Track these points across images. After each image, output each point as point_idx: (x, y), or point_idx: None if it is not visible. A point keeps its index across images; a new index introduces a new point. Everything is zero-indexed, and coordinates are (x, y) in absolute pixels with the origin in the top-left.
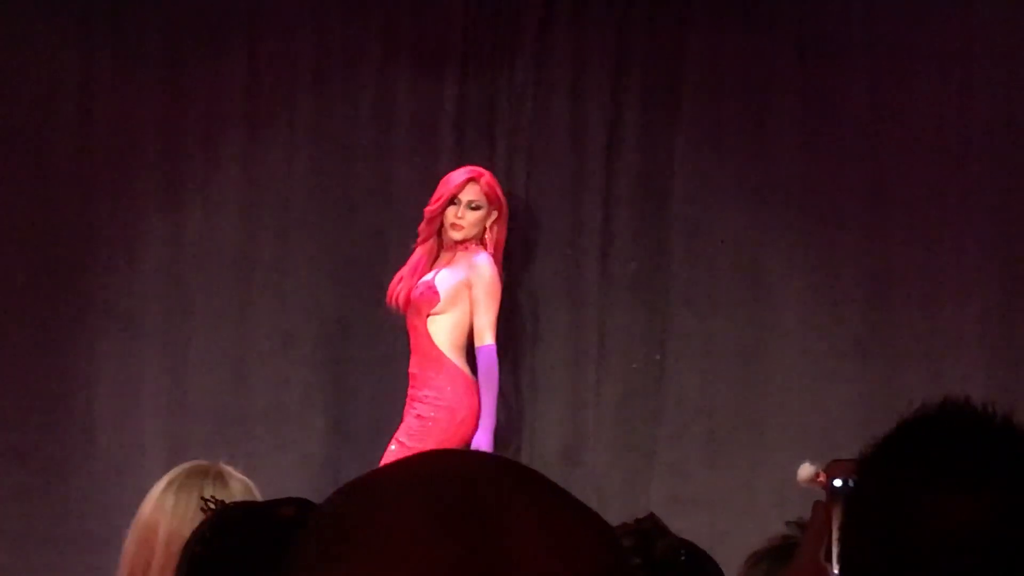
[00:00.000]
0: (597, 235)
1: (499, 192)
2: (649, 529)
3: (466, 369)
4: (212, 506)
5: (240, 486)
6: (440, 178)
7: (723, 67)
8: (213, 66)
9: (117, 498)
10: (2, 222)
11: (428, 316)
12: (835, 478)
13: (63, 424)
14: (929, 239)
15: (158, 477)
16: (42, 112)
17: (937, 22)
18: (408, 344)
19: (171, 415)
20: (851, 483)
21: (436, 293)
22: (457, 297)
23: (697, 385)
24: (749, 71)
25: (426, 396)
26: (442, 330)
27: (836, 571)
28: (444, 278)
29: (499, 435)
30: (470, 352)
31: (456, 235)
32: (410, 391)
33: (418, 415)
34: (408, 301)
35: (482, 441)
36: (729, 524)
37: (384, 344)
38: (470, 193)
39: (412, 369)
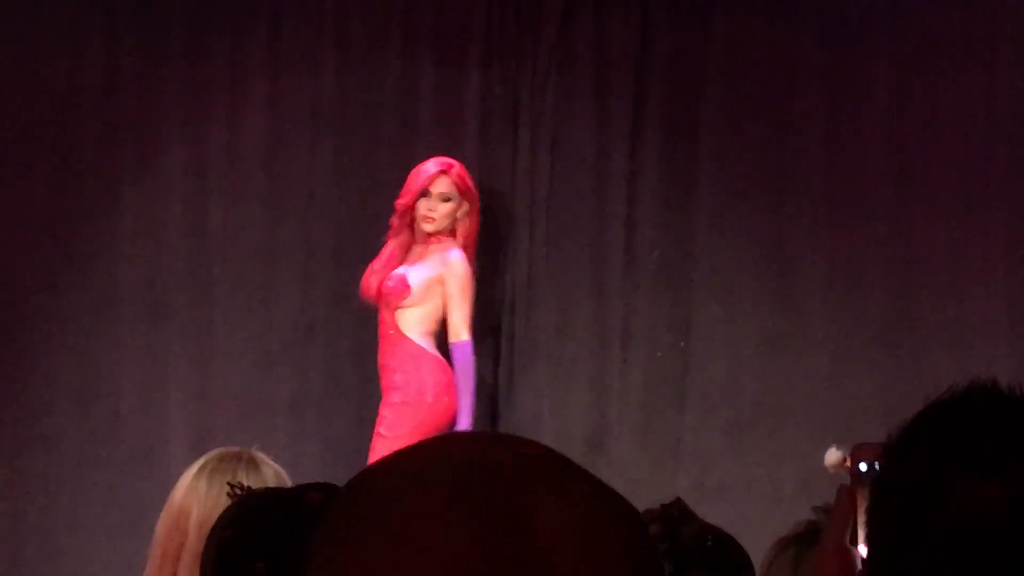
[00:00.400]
0: (621, 223)
1: (470, 184)
2: (676, 514)
3: (434, 351)
4: (239, 491)
5: (272, 473)
6: (465, 165)
7: (746, 55)
8: (236, 56)
9: (142, 487)
10: (28, 211)
11: (398, 309)
12: (860, 462)
13: (88, 413)
14: (954, 226)
15: (183, 466)
16: (66, 102)
17: (961, 9)
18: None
19: (195, 404)
20: (876, 467)
21: (408, 287)
22: (429, 293)
23: (722, 372)
24: (772, 59)
25: (396, 381)
26: (412, 321)
27: (862, 554)
28: (417, 273)
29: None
30: (440, 340)
31: (428, 227)
32: (382, 384)
33: (388, 403)
34: (380, 293)
35: None
36: (755, 510)
37: None
38: (441, 186)
39: (381, 360)
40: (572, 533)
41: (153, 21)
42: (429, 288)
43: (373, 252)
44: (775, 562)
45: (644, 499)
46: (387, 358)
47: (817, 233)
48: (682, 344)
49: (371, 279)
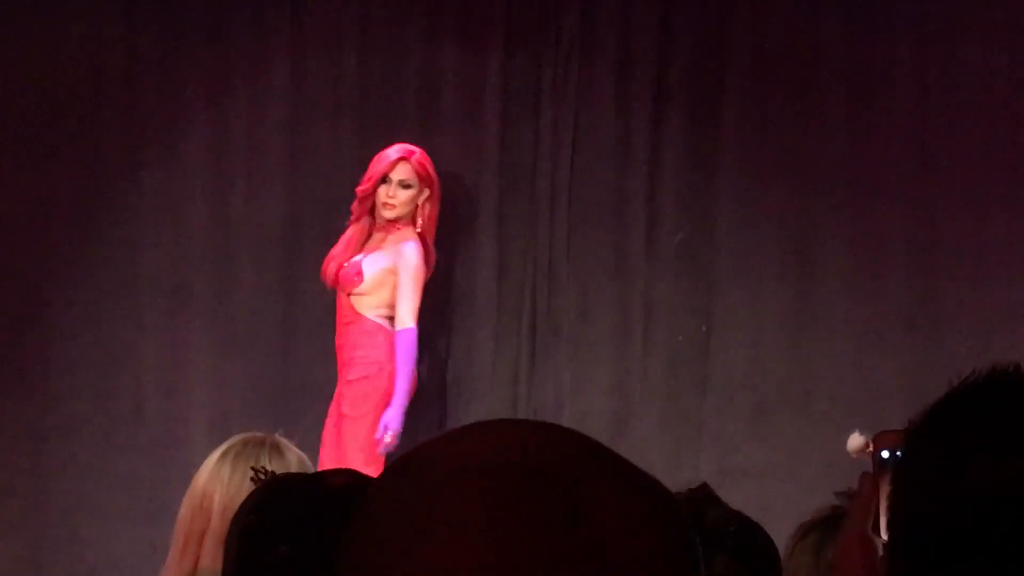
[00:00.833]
0: (643, 207)
1: (431, 171)
2: (701, 499)
3: (391, 328)
4: (263, 476)
5: (295, 458)
6: (486, 149)
7: (769, 39)
8: (258, 40)
9: (164, 471)
10: (50, 195)
11: (351, 295)
12: (883, 449)
13: (111, 398)
14: (976, 210)
15: (204, 451)
16: (89, 86)
17: None
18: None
19: (217, 389)
20: (899, 454)
21: (360, 275)
22: (383, 282)
23: (744, 357)
24: (795, 42)
25: (355, 357)
26: (367, 306)
27: (884, 541)
28: (371, 262)
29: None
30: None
31: (388, 214)
32: (340, 363)
33: (348, 380)
34: (336, 279)
35: (393, 419)
36: (777, 495)
37: (430, 319)
38: (401, 172)
39: (338, 342)
40: (623, 522)
41: (174, 5)
42: (383, 278)
43: None
44: (797, 547)
45: (666, 483)
46: (344, 339)
47: (840, 217)
48: (704, 328)
49: (330, 265)
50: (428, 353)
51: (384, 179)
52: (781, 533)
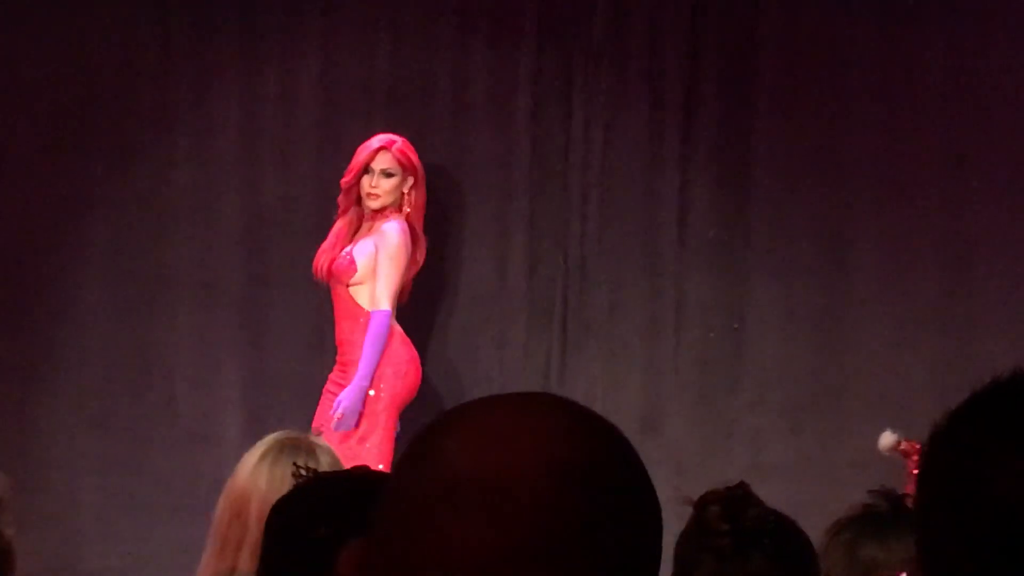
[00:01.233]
0: (675, 202)
1: (413, 158)
2: (739, 497)
3: (397, 326)
4: (304, 473)
5: (328, 458)
6: (518, 146)
7: (800, 34)
8: (289, 35)
9: (197, 467)
10: (83, 191)
11: (349, 286)
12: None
13: (143, 394)
14: (1009, 206)
15: (237, 447)
16: (121, 82)
17: None
18: (332, 315)
19: (250, 384)
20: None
21: (354, 263)
22: (375, 268)
23: (776, 353)
24: (826, 37)
25: (359, 359)
26: (367, 298)
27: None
28: (361, 249)
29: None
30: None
31: (373, 204)
32: (339, 359)
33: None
34: (330, 273)
35: (347, 397)
36: (809, 493)
37: (465, 314)
38: (382, 161)
39: (341, 336)
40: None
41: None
42: (374, 264)
43: (426, 230)
44: (830, 545)
45: (697, 481)
46: (348, 334)
47: (871, 213)
48: (736, 325)
49: (321, 259)
50: (459, 349)
51: (366, 169)
52: (812, 531)
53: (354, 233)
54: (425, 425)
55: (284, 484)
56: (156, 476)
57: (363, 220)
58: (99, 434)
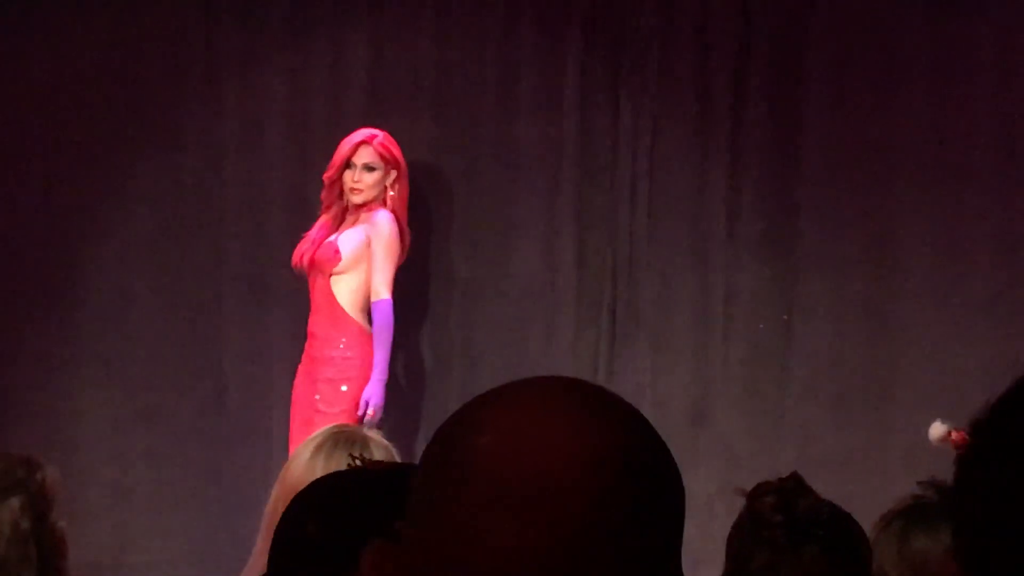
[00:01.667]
0: (723, 196)
1: (395, 152)
2: (792, 488)
3: (369, 329)
4: (359, 463)
5: (382, 451)
6: (566, 137)
7: (850, 26)
8: (337, 33)
9: (246, 460)
10: (134, 187)
11: (331, 276)
12: None
13: (193, 387)
14: None
15: (286, 441)
16: (170, 80)
17: None
18: (308, 304)
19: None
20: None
21: (338, 253)
22: (360, 257)
23: (825, 345)
24: (877, 29)
25: (332, 358)
26: (346, 291)
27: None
28: (347, 238)
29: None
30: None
31: (356, 199)
32: (308, 350)
33: (329, 379)
34: (312, 262)
35: (374, 394)
36: (859, 485)
37: (514, 307)
38: (364, 156)
39: (312, 328)
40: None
41: None
42: (360, 253)
43: (473, 225)
44: (880, 537)
45: (747, 473)
46: (319, 328)
47: (922, 205)
48: (785, 317)
49: (303, 248)
50: (508, 342)
51: (348, 164)
52: (863, 523)
53: (337, 228)
54: (449, 421)
55: None
56: (205, 469)
57: (347, 214)
58: (148, 427)
